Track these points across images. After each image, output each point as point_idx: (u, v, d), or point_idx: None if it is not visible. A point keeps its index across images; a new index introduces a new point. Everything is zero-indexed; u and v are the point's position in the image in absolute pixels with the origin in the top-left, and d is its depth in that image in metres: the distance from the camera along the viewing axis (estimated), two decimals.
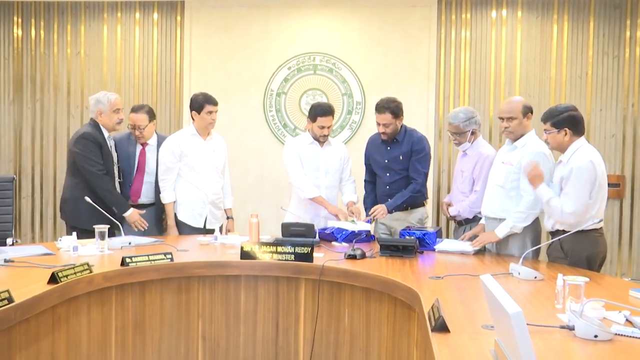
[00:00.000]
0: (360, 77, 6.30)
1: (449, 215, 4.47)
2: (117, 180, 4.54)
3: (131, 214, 4.44)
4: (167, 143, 4.67)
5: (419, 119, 6.03)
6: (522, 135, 3.85)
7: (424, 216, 4.69)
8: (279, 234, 4.20)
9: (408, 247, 3.69)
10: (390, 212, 4.46)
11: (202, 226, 4.68)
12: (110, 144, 4.50)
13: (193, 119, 4.67)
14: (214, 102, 4.62)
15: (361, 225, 4.35)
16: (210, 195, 4.69)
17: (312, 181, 4.65)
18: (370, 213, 4.45)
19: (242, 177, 6.29)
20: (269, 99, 6.37)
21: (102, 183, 4.33)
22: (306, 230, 4.09)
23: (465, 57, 6.22)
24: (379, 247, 3.77)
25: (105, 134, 4.43)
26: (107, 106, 4.41)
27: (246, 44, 6.39)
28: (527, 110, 3.84)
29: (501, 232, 3.78)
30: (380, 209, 4.45)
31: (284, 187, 6.03)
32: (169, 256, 3.45)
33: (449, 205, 4.49)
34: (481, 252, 3.91)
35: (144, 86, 6.46)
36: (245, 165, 6.37)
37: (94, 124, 4.42)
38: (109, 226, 3.74)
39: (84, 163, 4.29)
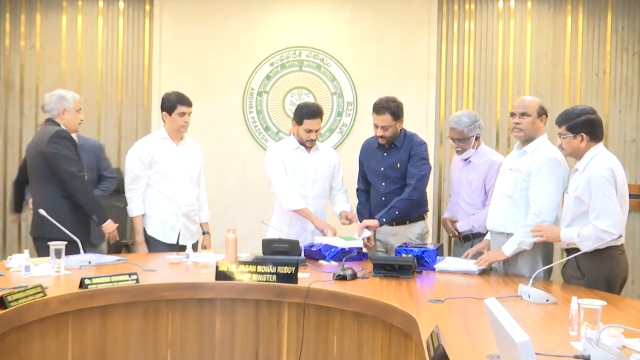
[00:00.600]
0: (352, 74, 6.31)
1: (457, 233, 4.46)
2: None
3: (109, 224, 4.46)
4: (135, 148, 4.66)
5: (417, 121, 6.04)
6: (532, 139, 3.86)
7: (424, 231, 4.69)
8: (259, 251, 4.18)
9: (405, 266, 3.69)
10: (381, 224, 4.45)
11: (174, 242, 4.66)
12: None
13: (164, 121, 4.67)
14: (187, 103, 4.63)
15: (353, 241, 4.34)
16: (183, 207, 4.67)
17: (297, 191, 4.64)
18: (360, 234, 4.43)
19: (219, 186, 6.27)
20: (249, 98, 6.37)
21: (84, 186, 4.35)
22: (290, 247, 4.08)
23: (469, 52, 6.25)
24: (372, 266, 3.76)
25: None
26: (72, 104, 4.44)
27: (224, 37, 6.39)
28: (542, 112, 3.87)
29: (508, 249, 3.78)
30: (369, 225, 4.44)
31: (265, 197, 6.01)
32: (134, 277, 3.43)
33: (454, 221, 4.48)
34: (487, 271, 3.91)
35: (108, 83, 6.43)
36: (222, 173, 6.36)
37: (56, 124, 4.39)
38: (66, 242, 3.70)
39: (63, 164, 4.28)
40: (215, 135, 6.34)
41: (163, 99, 4.66)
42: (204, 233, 4.92)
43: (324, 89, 6.34)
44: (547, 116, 3.91)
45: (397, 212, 4.46)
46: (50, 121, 4.42)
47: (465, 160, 4.47)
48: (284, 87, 6.37)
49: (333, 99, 6.33)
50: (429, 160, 4.65)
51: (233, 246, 3.99)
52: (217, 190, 6.18)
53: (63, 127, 4.39)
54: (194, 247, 4.62)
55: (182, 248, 4.54)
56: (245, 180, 6.38)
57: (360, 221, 4.74)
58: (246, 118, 6.37)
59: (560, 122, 3.59)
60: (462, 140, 4.40)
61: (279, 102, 6.37)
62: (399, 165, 4.56)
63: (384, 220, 4.45)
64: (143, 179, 4.62)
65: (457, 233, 4.48)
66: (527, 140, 3.88)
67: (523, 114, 3.86)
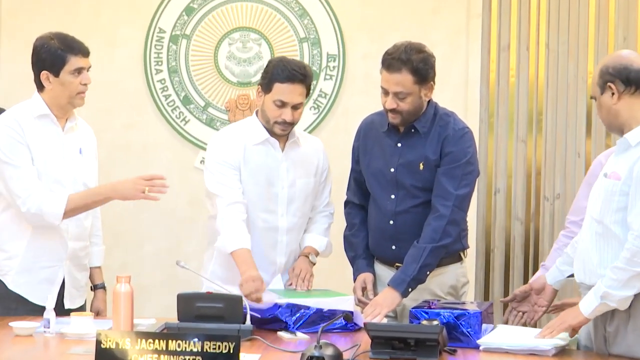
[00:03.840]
0: (337, 8, 6.37)
1: None
2: None
3: None
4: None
5: (448, 88, 6.07)
6: (624, 125, 3.86)
7: (461, 281, 4.76)
8: (173, 315, 4.21)
9: (427, 341, 3.73)
10: (403, 293, 4.46)
11: (53, 303, 4.65)
12: None
13: (41, 87, 4.64)
14: (83, 51, 4.63)
15: (341, 300, 4.40)
16: (71, 243, 4.69)
17: (263, 219, 4.71)
18: (364, 315, 4.41)
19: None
20: (155, 48, 6.41)
21: None
22: (227, 307, 4.09)
23: None
24: (371, 341, 3.80)
25: None
26: None
27: None
28: (611, 77, 3.78)
29: (587, 306, 3.79)
30: (378, 305, 4.42)
31: (184, 220, 6.08)
32: None
33: None
34: (569, 351, 3.97)
35: None
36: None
37: None
38: None
39: None
40: (92, 114, 6.34)
41: (39, 50, 4.61)
42: (96, 287, 4.90)
43: (287, 33, 6.41)
44: (629, 81, 3.84)
45: (428, 273, 4.50)
46: None
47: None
48: (217, 29, 6.43)
49: (303, 49, 6.40)
50: (477, 161, 4.70)
51: (127, 306, 4.00)
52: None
53: None
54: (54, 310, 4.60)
55: (67, 312, 4.48)
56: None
57: (352, 264, 4.78)
58: (150, 82, 6.42)
59: None
60: None
61: (207, 54, 6.43)
62: (422, 166, 4.57)
63: (410, 290, 4.44)
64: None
65: None
66: (618, 128, 3.90)
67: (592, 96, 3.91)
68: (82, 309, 4.73)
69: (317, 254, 4.76)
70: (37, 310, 4.58)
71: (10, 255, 4.61)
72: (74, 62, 4.57)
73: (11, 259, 4.61)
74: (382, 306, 4.36)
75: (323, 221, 4.90)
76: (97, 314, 4.75)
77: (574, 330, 3.91)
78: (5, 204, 4.60)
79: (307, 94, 4.69)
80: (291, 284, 4.63)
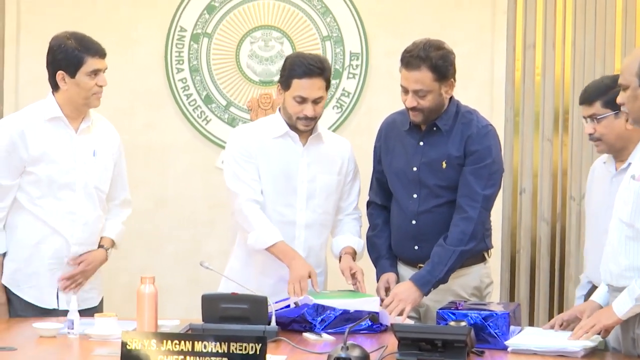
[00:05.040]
0: (360, 6, 6.38)
1: None
2: None
3: None
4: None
5: (472, 85, 6.10)
6: None
7: (484, 282, 4.75)
8: (197, 316, 4.22)
9: (454, 342, 3.72)
10: (425, 293, 4.47)
11: (53, 305, 4.67)
12: None
13: (56, 88, 4.67)
14: (101, 52, 4.64)
15: (366, 301, 4.40)
16: (75, 247, 4.69)
17: (279, 212, 4.70)
18: (383, 306, 4.42)
19: None
20: (176, 47, 6.42)
21: None
22: (252, 308, 4.10)
23: None
24: (398, 342, 3.80)
25: None
26: None
27: None
28: None
29: (622, 306, 3.77)
30: (401, 301, 4.41)
31: (208, 222, 6.08)
32: None
33: None
34: (599, 352, 3.95)
35: None
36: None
37: None
38: None
39: None
40: (111, 114, 6.34)
41: (55, 49, 4.62)
42: (99, 247, 4.83)
43: (309, 31, 6.41)
44: None
45: (450, 273, 4.48)
46: None
47: None
48: (239, 27, 6.43)
49: (326, 47, 6.40)
50: (501, 159, 4.70)
51: (151, 307, 4.01)
52: None
53: None
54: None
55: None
56: (170, 194, 6.41)
57: (374, 261, 4.80)
58: (171, 81, 6.43)
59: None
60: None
61: (229, 52, 6.44)
62: (444, 165, 4.57)
63: (432, 289, 4.45)
64: (10, 193, 4.63)
65: None
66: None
67: (621, 86, 3.89)
68: (96, 309, 4.73)
69: (357, 252, 4.77)
70: (44, 313, 4.59)
71: (13, 259, 4.64)
72: (91, 63, 4.56)
73: (13, 261, 4.64)
74: (406, 302, 4.35)
75: (355, 223, 4.90)
76: (79, 263, 4.73)
77: (606, 331, 3.89)
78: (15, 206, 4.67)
79: (327, 87, 4.69)
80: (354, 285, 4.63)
